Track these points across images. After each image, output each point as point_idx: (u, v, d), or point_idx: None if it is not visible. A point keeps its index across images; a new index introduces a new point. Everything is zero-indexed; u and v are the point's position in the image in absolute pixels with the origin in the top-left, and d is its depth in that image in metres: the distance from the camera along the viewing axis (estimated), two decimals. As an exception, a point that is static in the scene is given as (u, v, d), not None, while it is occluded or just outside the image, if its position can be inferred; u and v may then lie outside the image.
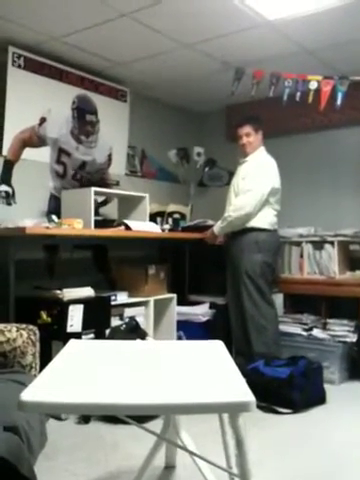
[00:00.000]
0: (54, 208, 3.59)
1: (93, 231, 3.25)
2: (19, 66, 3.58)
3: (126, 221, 3.48)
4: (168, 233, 3.92)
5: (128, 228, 3.43)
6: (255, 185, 3.56)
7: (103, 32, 3.40)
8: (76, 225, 3.11)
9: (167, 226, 4.05)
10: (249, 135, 3.68)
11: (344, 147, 4.45)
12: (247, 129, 3.68)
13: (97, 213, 3.52)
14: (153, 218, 4.02)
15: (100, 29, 3.36)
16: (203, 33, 3.43)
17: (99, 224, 3.34)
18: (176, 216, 4.34)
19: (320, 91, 3.40)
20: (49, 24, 3.30)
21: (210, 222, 3.99)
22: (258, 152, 3.71)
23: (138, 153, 4.63)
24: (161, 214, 4.27)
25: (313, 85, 3.42)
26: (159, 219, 4.18)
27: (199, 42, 3.57)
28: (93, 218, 3.26)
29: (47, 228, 2.93)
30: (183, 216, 4.41)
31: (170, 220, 4.26)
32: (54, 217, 3.05)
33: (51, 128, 3.49)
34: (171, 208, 4.37)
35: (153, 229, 3.67)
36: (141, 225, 3.56)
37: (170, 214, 4.33)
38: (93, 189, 3.30)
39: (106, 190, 3.54)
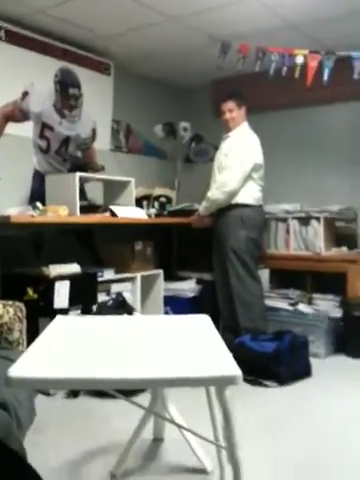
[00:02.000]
0: (38, 184, 3.54)
1: (79, 218, 3.22)
2: (0, 39, 3.49)
3: (112, 207, 3.45)
4: (154, 218, 3.91)
5: (114, 214, 3.41)
6: (237, 161, 3.55)
7: (87, 4, 3.32)
8: (61, 212, 3.07)
9: (153, 210, 4.03)
10: (232, 111, 3.66)
11: (331, 123, 4.44)
12: (230, 105, 3.66)
13: (83, 196, 3.48)
14: (139, 202, 3.99)
15: (84, 1, 3.28)
16: (190, 6, 3.37)
17: (85, 210, 3.31)
18: (162, 200, 4.31)
19: (307, 66, 3.37)
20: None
21: (196, 206, 3.97)
22: (241, 128, 3.69)
23: (123, 128, 4.57)
24: (147, 198, 4.24)
25: (299, 59, 3.39)
26: (145, 203, 4.16)
27: (185, 15, 3.51)
28: (78, 204, 3.22)
29: (32, 216, 2.91)
30: (169, 199, 4.38)
31: (156, 204, 4.23)
32: (39, 204, 3.01)
33: (34, 102, 3.42)
34: (157, 192, 4.34)
35: (139, 215, 3.66)
36: (127, 211, 3.54)
37: (156, 198, 4.30)
38: (78, 174, 3.26)
39: (91, 175, 3.51)
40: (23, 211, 2.98)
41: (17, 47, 3.59)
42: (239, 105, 3.67)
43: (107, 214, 3.42)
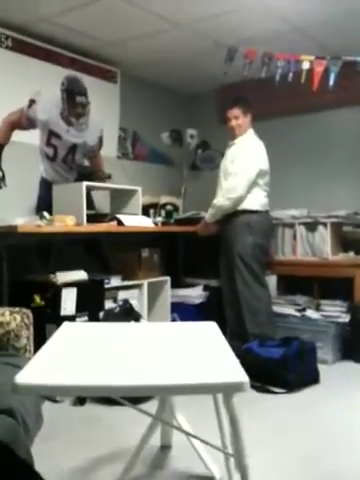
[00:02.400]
0: (44, 192, 3.56)
1: (85, 228, 3.24)
2: (7, 47, 3.53)
3: (119, 216, 3.46)
4: (161, 227, 3.92)
5: (120, 223, 3.42)
6: (242, 168, 3.55)
7: (93, 12, 3.35)
8: (68, 222, 3.09)
9: (160, 219, 4.04)
10: (238, 118, 3.66)
11: (337, 128, 4.44)
12: (236, 112, 3.66)
13: (90, 204, 3.49)
14: (146, 210, 4.00)
15: (89, 9, 3.30)
16: (195, 13, 3.39)
17: (92, 218, 3.32)
18: (169, 208, 4.32)
19: (313, 71, 3.37)
20: (37, 4, 3.24)
21: (203, 214, 3.97)
22: (246, 135, 3.69)
23: (130, 135, 4.59)
24: (154, 206, 4.25)
25: (306, 65, 3.40)
26: (152, 211, 4.16)
27: (191, 22, 3.53)
28: (85, 213, 3.24)
29: (39, 226, 2.92)
30: (176, 207, 4.39)
31: (163, 212, 4.24)
32: (46, 214, 3.03)
33: (40, 110, 3.45)
34: (164, 200, 4.35)
35: (146, 223, 3.67)
36: (134, 220, 3.55)
37: (163, 206, 4.31)
38: (85, 183, 3.28)
39: (98, 184, 3.52)
40: (30, 221, 2.99)
41: (24, 55, 3.62)
42: (245, 112, 3.67)
43: (114, 223, 3.43)
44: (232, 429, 1.44)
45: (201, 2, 3.23)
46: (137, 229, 3.57)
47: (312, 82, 3.37)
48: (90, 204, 3.53)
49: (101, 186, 3.59)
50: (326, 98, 3.97)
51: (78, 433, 2.44)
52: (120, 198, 3.77)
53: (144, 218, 3.74)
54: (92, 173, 3.63)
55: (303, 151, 4.60)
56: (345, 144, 4.40)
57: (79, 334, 1.85)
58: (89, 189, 3.53)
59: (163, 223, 3.99)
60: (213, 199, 3.69)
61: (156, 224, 3.86)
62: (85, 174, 3.56)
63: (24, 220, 2.99)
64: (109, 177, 3.62)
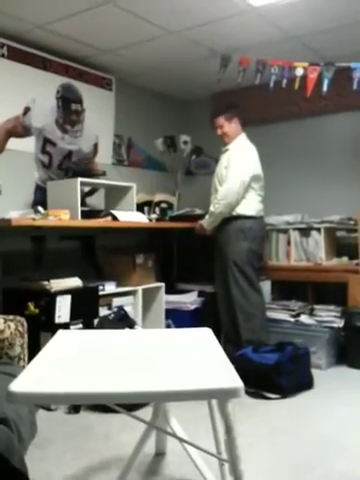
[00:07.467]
0: (40, 199, 3.56)
1: (80, 222, 3.24)
2: (2, 55, 3.53)
3: (113, 212, 3.46)
4: (156, 223, 3.92)
5: (115, 219, 3.42)
6: (236, 173, 3.58)
7: (87, 19, 3.36)
8: (63, 216, 3.09)
9: (154, 216, 4.05)
10: (223, 126, 3.70)
11: (330, 134, 4.47)
12: (220, 121, 3.70)
13: (84, 204, 3.50)
14: (140, 208, 4.00)
15: (84, 16, 3.32)
16: (189, 20, 3.41)
17: (86, 215, 3.33)
18: (163, 205, 4.32)
19: (306, 78, 3.40)
20: (32, 12, 3.25)
21: (198, 211, 3.97)
22: (238, 140, 3.72)
23: (124, 142, 4.60)
24: (148, 203, 4.25)
25: (299, 72, 3.42)
26: (146, 209, 4.17)
27: (185, 29, 3.55)
28: (80, 209, 3.24)
29: (33, 220, 2.91)
30: (170, 205, 4.39)
31: (157, 209, 4.24)
32: (40, 208, 3.03)
33: (36, 118, 3.45)
34: (158, 197, 4.35)
35: (140, 219, 3.67)
36: (128, 215, 3.55)
37: (157, 203, 4.32)
38: (79, 180, 3.28)
39: (92, 180, 3.52)
40: (24, 215, 2.99)
41: (19, 64, 3.63)
42: (229, 119, 3.69)
43: (109, 218, 3.43)
44: (227, 435, 1.45)
45: (195, 10, 3.25)
46: (132, 224, 3.56)
47: (306, 88, 3.39)
48: (84, 205, 3.53)
49: (95, 182, 3.58)
50: (320, 104, 4.00)
51: (73, 441, 2.44)
52: (114, 196, 3.78)
53: (139, 214, 3.74)
54: (86, 170, 3.62)
55: (297, 157, 4.62)
56: (339, 150, 4.43)
57: (74, 342, 1.85)
58: (83, 196, 3.53)
59: (158, 220, 3.99)
60: (207, 204, 3.70)
61: (151, 220, 3.87)
62: (79, 171, 3.55)
63: (18, 214, 2.98)
64: (104, 173, 3.61)
